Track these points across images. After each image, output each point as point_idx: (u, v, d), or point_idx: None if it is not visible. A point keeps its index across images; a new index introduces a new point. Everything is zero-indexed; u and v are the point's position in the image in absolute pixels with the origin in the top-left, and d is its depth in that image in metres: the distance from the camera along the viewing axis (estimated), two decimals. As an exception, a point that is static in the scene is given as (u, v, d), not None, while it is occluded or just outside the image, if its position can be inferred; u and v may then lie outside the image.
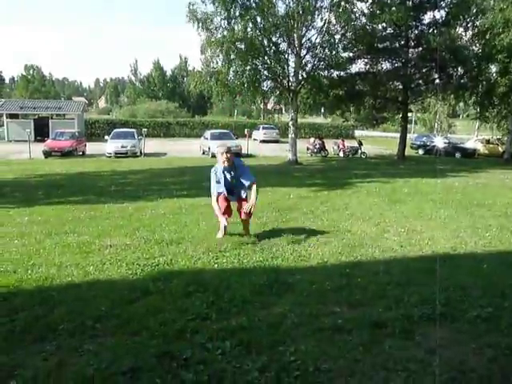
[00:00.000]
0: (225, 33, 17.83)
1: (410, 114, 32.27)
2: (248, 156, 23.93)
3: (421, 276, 4.29)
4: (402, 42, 23.18)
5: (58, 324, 3.12)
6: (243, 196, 6.15)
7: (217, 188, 6.04)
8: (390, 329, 2.96)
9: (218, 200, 5.99)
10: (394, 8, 20.02)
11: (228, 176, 6.06)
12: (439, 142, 30.52)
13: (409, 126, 34.57)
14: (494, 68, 22.71)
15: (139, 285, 3.93)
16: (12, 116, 34.91)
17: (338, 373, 2.44)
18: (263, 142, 36.17)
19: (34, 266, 4.75)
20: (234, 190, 6.14)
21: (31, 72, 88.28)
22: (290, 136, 21.06)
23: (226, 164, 5.92)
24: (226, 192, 6.05)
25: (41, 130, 33.44)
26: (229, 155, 5.93)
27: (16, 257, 5.15)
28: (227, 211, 6.05)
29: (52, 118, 35.19)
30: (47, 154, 24.21)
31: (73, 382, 2.34)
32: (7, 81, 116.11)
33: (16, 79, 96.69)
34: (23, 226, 7.08)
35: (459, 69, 22.12)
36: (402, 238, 6.28)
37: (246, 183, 6.06)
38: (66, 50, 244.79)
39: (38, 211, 8.40)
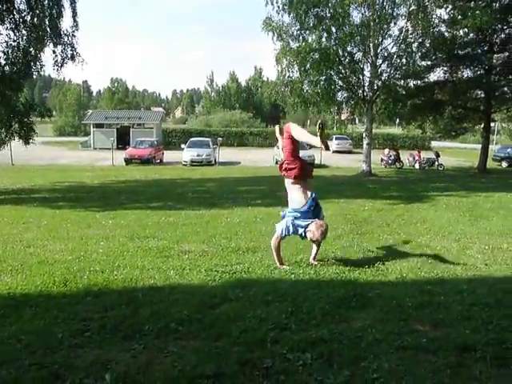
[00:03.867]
0: (300, 43, 17.93)
1: (492, 124, 30.46)
2: (321, 166, 23.78)
3: (510, 298, 4.02)
4: (486, 48, 21.95)
5: (144, 324, 3.27)
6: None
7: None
8: (480, 353, 2.79)
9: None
10: (478, 12, 19.02)
11: None
12: (526, 154, 28.49)
13: (491, 136, 32.64)
14: None
15: (218, 291, 4.04)
16: (98, 125, 37.43)
17: (425, 395, 2.35)
18: (336, 152, 35.81)
19: (119, 267, 5.03)
20: None
21: (116, 85, 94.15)
22: (364, 147, 20.67)
23: None
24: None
25: (122, 139, 35.49)
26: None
27: (102, 258, 5.49)
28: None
29: (133, 128, 37.24)
30: (128, 161, 25.63)
31: (159, 382, 2.44)
32: (94, 93, 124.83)
33: (102, 91, 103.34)
34: (108, 228, 7.55)
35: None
36: (487, 255, 5.92)
37: None
38: (146, 63, 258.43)
39: (120, 215, 8.91)
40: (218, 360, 2.68)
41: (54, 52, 13.82)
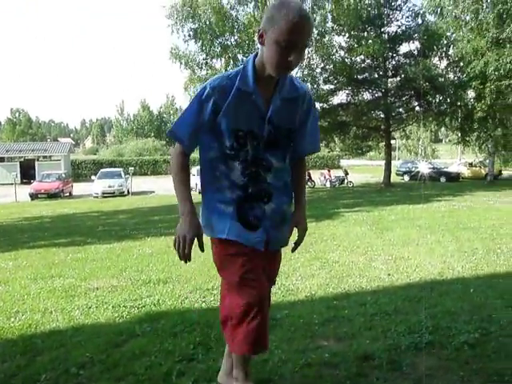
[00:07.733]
0: (207, 71, 18.25)
1: (393, 142, 32.86)
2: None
3: (408, 304, 4.29)
4: (381, 73, 23.93)
5: (41, 373, 3.04)
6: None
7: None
8: (378, 360, 2.94)
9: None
10: (370, 41, 20.74)
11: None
12: (424, 168, 31.03)
13: (393, 153, 35.14)
14: (470, 94, 23.41)
15: (125, 328, 3.88)
16: (-2, 159, 34.94)
17: (326, 409, 2.41)
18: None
19: (18, 313, 4.65)
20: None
21: (17, 115, 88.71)
22: (276, 168, 21.26)
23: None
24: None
25: (27, 173, 33.47)
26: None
27: (-1, 305, 5.05)
28: None
29: (38, 160, 35.30)
30: (34, 196, 24.20)
31: (55, 434, 2.28)
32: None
33: (2, 123, 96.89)
34: (8, 271, 6.97)
35: (437, 96, 22.81)
36: (390, 266, 6.31)
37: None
38: (52, 92, 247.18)
39: (23, 255, 8.30)
40: (120, 402, 2.56)
41: None
